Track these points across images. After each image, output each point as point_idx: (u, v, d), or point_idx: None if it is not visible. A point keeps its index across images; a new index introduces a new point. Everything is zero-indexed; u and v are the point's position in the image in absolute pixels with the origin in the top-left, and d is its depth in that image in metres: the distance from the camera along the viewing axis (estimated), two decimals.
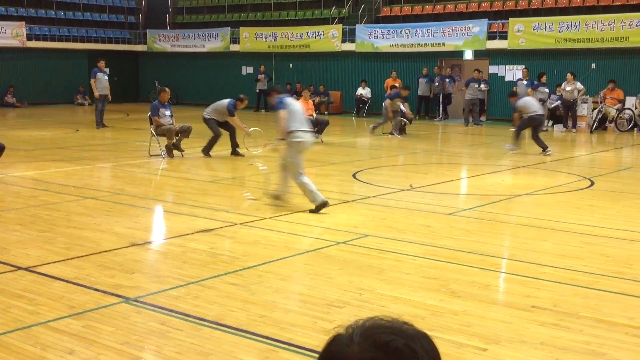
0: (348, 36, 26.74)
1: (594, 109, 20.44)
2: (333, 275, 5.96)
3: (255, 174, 11.45)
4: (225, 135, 14.00)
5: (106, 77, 19.77)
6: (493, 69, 24.10)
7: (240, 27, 29.78)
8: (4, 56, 28.42)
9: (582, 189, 10.64)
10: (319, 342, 4.01)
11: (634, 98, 20.48)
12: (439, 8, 26.10)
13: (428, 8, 26.38)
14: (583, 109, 20.52)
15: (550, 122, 21.45)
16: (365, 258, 6.55)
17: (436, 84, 24.52)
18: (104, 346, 4.38)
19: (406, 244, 7.03)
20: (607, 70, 21.73)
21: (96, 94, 19.52)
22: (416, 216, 8.50)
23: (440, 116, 24.57)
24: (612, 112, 20.27)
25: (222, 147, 14.15)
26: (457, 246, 6.98)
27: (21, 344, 4.41)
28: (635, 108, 20.36)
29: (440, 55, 25.06)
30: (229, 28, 29.99)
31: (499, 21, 23.92)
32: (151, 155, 13.86)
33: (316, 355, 1.28)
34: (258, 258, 6.50)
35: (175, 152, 13.82)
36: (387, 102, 18.50)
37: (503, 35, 23.38)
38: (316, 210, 8.40)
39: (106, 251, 6.68)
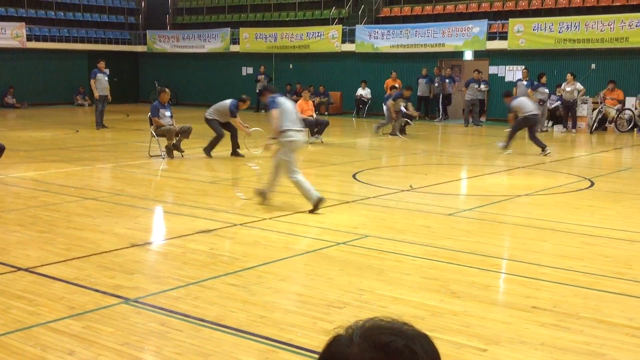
0: (348, 37, 26.75)
1: (593, 109, 20.45)
2: (333, 275, 5.96)
3: (254, 175, 11.45)
4: (226, 135, 14.01)
5: (106, 78, 19.77)
6: (493, 70, 24.11)
7: (240, 28, 29.78)
8: (4, 57, 28.43)
9: (582, 189, 10.64)
10: (319, 342, 4.01)
11: (634, 98, 20.48)
12: (438, 8, 26.10)
13: (428, 8, 26.38)
14: (583, 110, 20.52)
15: (550, 123, 21.47)
16: (365, 259, 6.55)
17: (436, 84, 24.52)
18: (104, 347, 4.38)
19: (406, 245, 7.03)
20: (607, 71, 21.73)
21: (96, 94, 19.52)
22: (416, 217, 8.50)
23: (440, 117, 24.57)
24: (612, 113, 20.28)
25: (223, 148, 14.15)
26: (457, 247, 6.98)
27: (21, 345, 4.41)
28: (635, 108, 20.36)
29: (440, 55, 25.07)
30: (229, 29, 29.99)
31: (498, 22, 23.93)
32: (151, 156, 13.86)
33: (316, 355, 1.28)
34: (258, 259, 6.50)
35: (175, 152, 13.82)
36: (390, 102, 18.49)
37: (503, 36, 23.39)
38: (314, 209, 8.42)
39: (106, 252, 6.68)
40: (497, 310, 5.20)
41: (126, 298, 5.33)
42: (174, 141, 13.86)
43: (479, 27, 23.70)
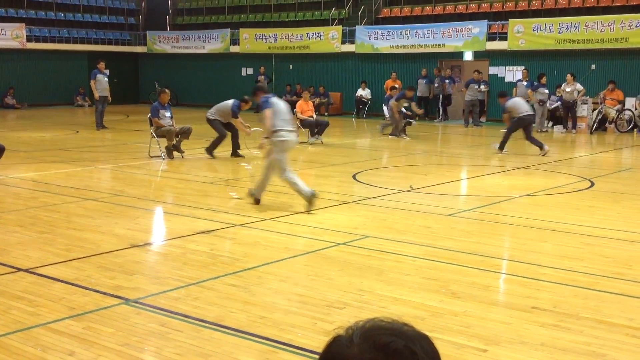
0: (348, 37, 26.75)
1: (593, 109, 20.45)
2: (333, 276, 5.96)
3: (253, 175, 11.45)
4: (227, 135, 14.01)
5: (106, 79, 19.77)
6: (493, 70, 24.11)
7: (240, 29, 29.79)
8: (4, 58, 28.42)
9: (582, 189, 10.64)
10: (319, 343, 4.01)
11: (634, 99, 20.48)
12: (438, 9, 26.11)
13: (428, 9, 26.39)
14: (583, 110, 20.52)
15: (550, 123, 21.46)
16: (365, 259, 6.55)
17: (436, 85, 24.52)
18: (104, 347, 4.38)
19: (406, 245, 7.03)
20: (607, 71, 21.73)
21: (96, 95, 19.53)
22: (416, 217, 8.50)
23: (440, 117, 24.57)
24: (612, 113, 20.28)
25: (223, 148, 14.15)
26: (457, 247, 6.98)
27: (21, 346, 4.41)
28: (635, 109, 20.36)
29: (440, 56, 25.07)
30: (228, 29, 30.00)
31: (498, 22, 23.93)
32: (151, 157, 13.86)
33: (316, 356, 1.28)
34: (258, 259, 6.50)
35: (175, 153, 13.82)
36: (393, 103, 18.47)
37: (503, 36, 23.39)
38: (309, 205, 8.49)
39: (106, 252, 6.68)
40: (497, 310, 5.20)
41: (126, 299, 5.33)
42: (174, 142, 13.87)
43: (478, 28, 23.71)
